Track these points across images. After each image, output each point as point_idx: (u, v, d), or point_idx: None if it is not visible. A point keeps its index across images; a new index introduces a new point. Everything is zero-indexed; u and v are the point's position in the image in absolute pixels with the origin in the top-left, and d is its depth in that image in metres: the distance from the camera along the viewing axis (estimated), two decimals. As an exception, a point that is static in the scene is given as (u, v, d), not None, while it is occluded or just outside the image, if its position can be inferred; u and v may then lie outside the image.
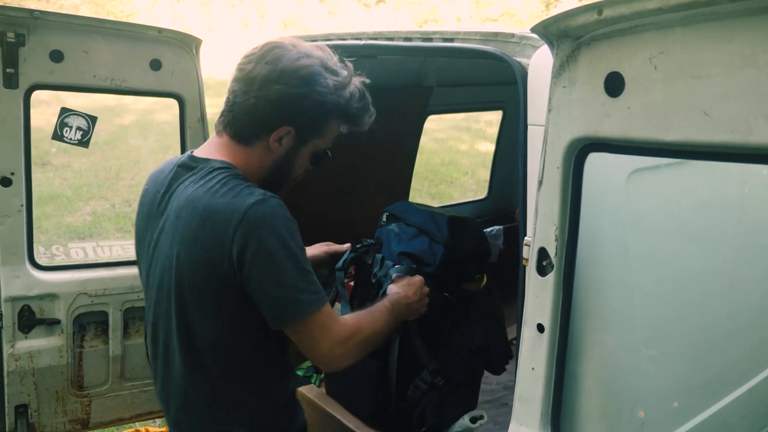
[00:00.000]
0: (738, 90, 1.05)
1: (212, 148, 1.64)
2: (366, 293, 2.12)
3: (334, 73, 1.58)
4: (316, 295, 1.52)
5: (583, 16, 1.22)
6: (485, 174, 10.07)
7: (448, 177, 9.43)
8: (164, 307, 1.62)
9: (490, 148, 11.67)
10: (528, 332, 1.49)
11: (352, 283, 2.24)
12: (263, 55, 1.56)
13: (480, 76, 3.61)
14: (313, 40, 2.39)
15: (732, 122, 1.06)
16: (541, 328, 1.46)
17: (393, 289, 1.90)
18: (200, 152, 1.65)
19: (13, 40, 2.16)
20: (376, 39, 2.14)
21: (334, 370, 1.61)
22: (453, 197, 8.42)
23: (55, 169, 9.27)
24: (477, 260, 2.21)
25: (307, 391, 2.46)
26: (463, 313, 2.19)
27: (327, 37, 2.35)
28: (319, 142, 1.66)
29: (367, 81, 1.67)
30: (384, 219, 2.30)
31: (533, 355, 1.48)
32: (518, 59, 1.69)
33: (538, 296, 1.46)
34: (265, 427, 1.64)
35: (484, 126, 12.97)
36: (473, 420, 2.17)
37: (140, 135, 10.26)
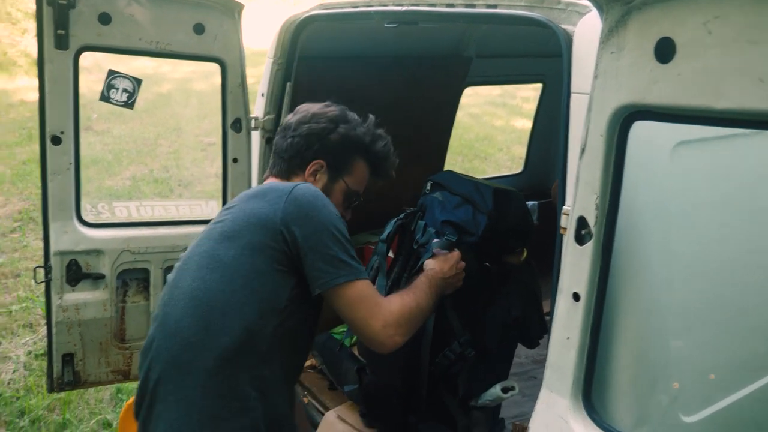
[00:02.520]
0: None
1: None
2: (405, 262, 2.15)
3: (357, 119, 1.87)
4: (359, 267, 1.61)
5: (637, -21, 1.20)
6: (520, 150, 10.01)
7: (482, 152, 9.36)
8: (189, 273, 1.62)
9: (526, 124, 11.54)
10: (563, 301, 1.50)
11: (391, 255, 2.27)
12: (296, 111, 1.89)
13: (521, 48, 3.57)
14: (354, 7, 2.39)
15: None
16: (576, 296, 1.46)
17: (429, 264, 1.94)
18: None
19: (64, 2, 2.21)
20: (417, 5, 2.12)
21: (389, 349, 1.62)
22: (486, 173, 8.36)
23: (96, 134, 9.46)
24: (519, 233, 2.21)
25: (348, 417, 2.48)
26: (502, 285, 2.20)
27: (368, 3, 2.33)
28: (349, 181, 1.85)
29: (383, 131, 1.92)
30: (428, 187, 2.31)
31: (568, 323, 1.49)
32: (564, 26, 1.67)
33: (575, 265, 1.46)
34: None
35: (521, 102, 12.80)
36: (504, 390, 2.19)
37: (178, 103, 10.39)
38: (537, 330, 2.30)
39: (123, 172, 7.35)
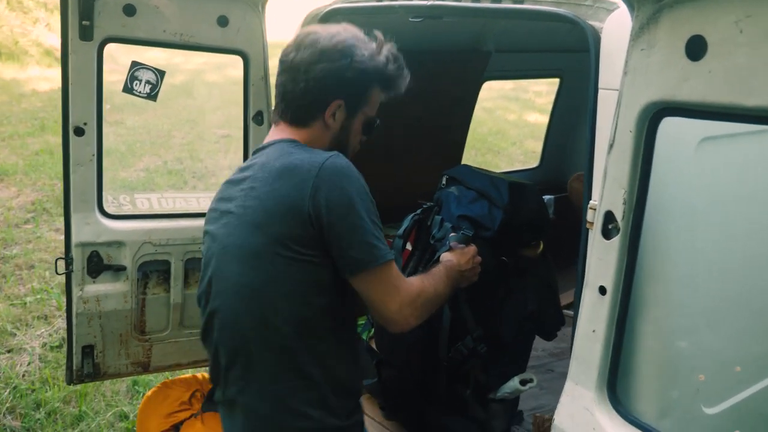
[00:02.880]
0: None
1: (276, 136, 1.74)
2: (422, 255, 2.16)
3: (367, 42, 1.71)
4: (386, 249, 1.58)
5: (670, -23, 1.20)
6: (533, 145, 10.00)
7: (495, 146, 9.35)
8: (229, 265, 1.64)
9: (538, 119, 11.54)
10: (589, 294, 1.51)
11: (409, 247, 2.28)
12: (300, 43, 1.69)
13: (539, 43, 3.57)
14: (379, 1, 2.40)
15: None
16: (603, 290, 1.48)
17: (446, 256, 1.95)
18: (265, 141, 1.76)
19: (89, -7, 2.23)
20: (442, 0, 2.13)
21: (401, 330, 1.63)
22: (500, 167, 8.35)
23: (109, 125, 9.50)
24: (535, 227, 2.23)
25: (367, 409, 2.51)
26: (519, 278, 2.21)
27: (392, -3, 2.34)
28: (367, 110, 1.76)
29: (395, 46, 1.77)
30: (444, 182, 2.33)
31: (594, 316, 1.50)
32: (591, 22, 1.68)
33: (602, 259, 1.48)
34: (325, 405, 1.62)
35: (533, 96, 12.76)
36: (523, 382, 2.22)
37: (191, 95, 10.42)
38: (553, 323, 2.32)
39: (137, 164, 7.40)
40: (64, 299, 4.57)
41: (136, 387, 3.73)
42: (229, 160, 8.03)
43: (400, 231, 2.28)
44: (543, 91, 13.24)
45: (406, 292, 1.61)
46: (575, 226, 4.12)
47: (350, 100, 1.70)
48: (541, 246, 2.29)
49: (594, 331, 1.51)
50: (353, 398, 1.71)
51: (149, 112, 9.19)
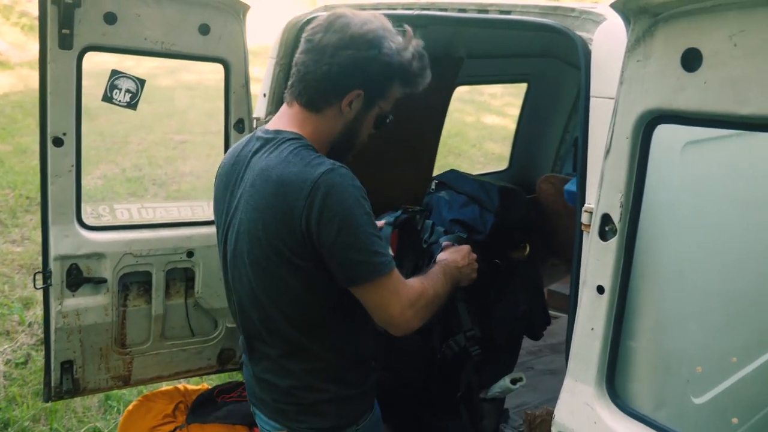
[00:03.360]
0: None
1: (284, 120, 1.70)
2: (417, 259, 2.19)
3: (396, 36, 1.66)
4: (386, 258, 1.58)
5: (666, -6, 1.28)
6: (492, 147, 10.18)
7: (456, 149, 9.47)
8: (239, 270, 1.70)
9: (495, 121, 11.74)
10: (587, 293, 1.58)
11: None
12: (330, 25, 1.63)
13: (508, 49, 3.66)
14: (361, 9, 2.43)
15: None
16: (601, 289, 1.55)
17: (442, 256, 1.97)
18: (273, 125, 1.72)
19: (70, 1, 2.18)
20: (428, 9, 2.18)
21: (404, 332, 1.65)
22: (462, 168, 8.47)
23: (61, 132, 9.23)
24: (523, 229, 2.29)
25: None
26: (508, 281, 2.27)
27: (376, 6, 2.38)
28: (383, 104, 1.72)
29: (422, 43, 1.72)
30: (433, 186, 2.37)
31: (592, 315, 1.57)
32: (579, 33, 1.75)
33: (599, 260, 1.54)
34: (338, 380, 1.73)
35: (488, 98, 12.98)
36: (513, 381, 2.28)
37: (144, 100, 10.20)
38: (541, 322, 2.39)
39: (93, 171, 7.19)
40: (26, 313, 4.44)
41: (109, 402, 3.65)
42: (189, 167, 7.91)
43: (391, 219, 2.26)
44: (497, 93, 13.48)
45: (406, 295, 1.62)
46: (545, 226, 4.23)
47: (370, 91, 1.66)
48: (528, 248, 2.36)
49: (593, 329, 1.57)
50: (366, 364, 1.79)
51: (102, 118, 8.94)
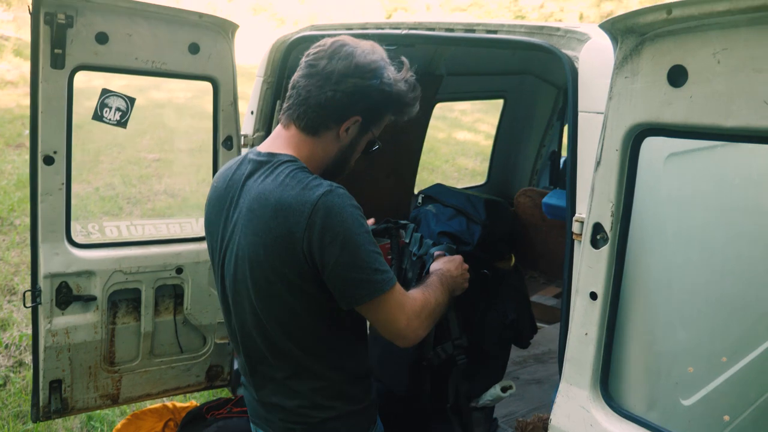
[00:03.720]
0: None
1: (279, 142, 1.72)
2: (406, 271, 2.24)
3: (392, 66, 1.73)
4: (388, 274, 1.61)
5: (652, 15, 1.36)
6: (465, 162, 10.32)
7: (429, 165, 9.59)
8: (240, 295, 1.71)
9: (467, 136, 11.91)
10: (581, 300, 1.64)
11: None
12: (334, 52, 1.68)
13: (486, 66, 3.76)
14: (348, 29, 2.50)
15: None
16: (594, 296, 1.61)
17: (436, 265, 2.01)
18: (266, 147, 1.73)
19: (63, 22, 2.20)
20: (416, 29, 2.25)
21: (412, 343, 1.70)
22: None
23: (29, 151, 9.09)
24: (509, 240, 2.36)
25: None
26: (495, 290, 2.34)
27: (363, 26, 2.45)
28: (376, 131, 1.78)
29: (414, 76, 1.79)
30: (420, 200, 2.43)
31: (586, 320, 1.63)
32: (565, 51, 1.83)
33: (592, 267, 1.61)
34: (343, 396, 1.75)
35: (459, 115, 13.18)
36: (503, 389, 2.33)
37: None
38: (528, 331, 2.46)
39: (66, 191, 7.08)
40: (2, 335, 4.35)
41: (92, 422, 3.60)
42: (163, 185, 7.85)
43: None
44: (467, 110, 13.70)
45: (411, 307, 1.67)
46: (523, 239, 4.30)
47: (367, 118, 1.71)
48: (513, 258, 2.43)
49: (586, 334, 1.64)
50: (366, 379, 1.82)
51: (73, 137, 8.85)
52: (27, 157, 8.74)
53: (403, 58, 1.77)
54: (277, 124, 1.78)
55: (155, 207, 6.90)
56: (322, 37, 2.56)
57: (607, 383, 1.64)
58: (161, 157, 8.79)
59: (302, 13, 25.71)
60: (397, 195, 3.82)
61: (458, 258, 2.05)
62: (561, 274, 4.43)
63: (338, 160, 1.75)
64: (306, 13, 25.63)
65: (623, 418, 1.60)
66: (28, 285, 5.01)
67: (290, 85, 1.74)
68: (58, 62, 2.27)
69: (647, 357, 1.69)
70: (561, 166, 4.35)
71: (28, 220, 6.43)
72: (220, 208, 1.76)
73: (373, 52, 1.70)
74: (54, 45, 2.24)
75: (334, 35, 2.32)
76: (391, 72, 1.70)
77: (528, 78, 4.04)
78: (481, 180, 4.79)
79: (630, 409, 1.62)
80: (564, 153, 4.43)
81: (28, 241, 5.99)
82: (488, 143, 11.99)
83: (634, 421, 1.59)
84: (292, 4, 26.11)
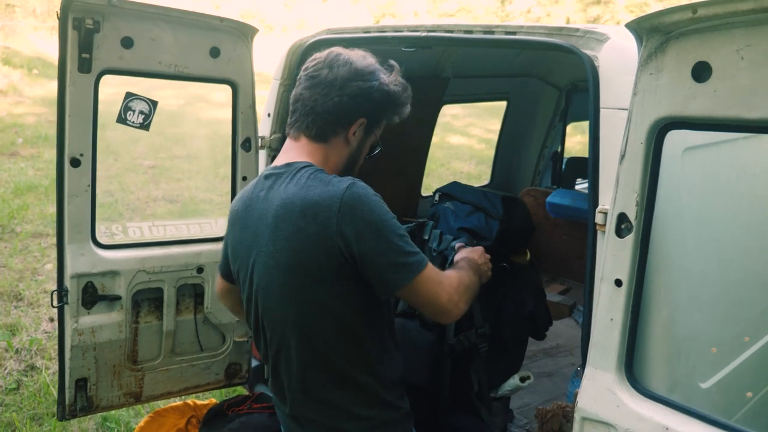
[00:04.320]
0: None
1: (291, 153, 1.78)
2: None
3: (384, 69, 1.82)
4: (420, 255, 1.67)
5: (677, 14, 1.44)
6: (460, 165, 10.41)
7: (425, 168, 9.67)
8: (275, 304, 1.73)
9: (460, 140, 12.01)
10: (606, 287, 1.72)
11: None
12: (332, 62, 1.76)
13: (490, 69, 3.85)
14: (366, 32, 2.57)
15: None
16: (619, 282, 1.69)
17: (459, 255, 2.05)
18: (280, 161, 1.80)
19: (90, 27, 2.26)
20: (434, 31, 2.33)
21: (455, 318, 1.75)
22: (432, 188, 8.67)
23: (25, 159, 9.10)
24: (525, 235, 2.45)
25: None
26: (512, 284, 2.42)
27: (381, 29, 2.52)
28: (377, 132, 1.87)
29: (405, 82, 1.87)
30: (437, 198, 2.50)
31: (611, 306, 1.71)
32: (584, 51, 1.92)
33: (617, 255, 1.69)
34: (379, 403, 1.76)
35: (451, 119, 13.29)
36: (522, 379, 2.41)
37: (107, 126, 10.09)
38: (544, 323, 2.54)
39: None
40: (13, 340, 4.36)
41: (107, 423, 3.63)
42: (161, 191, 7.87)
43: None
44: (459, 114, 13.81)
45: (448, 283, 1.72)
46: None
47: (371, 119, 1.79)
48: (528, 253, 2.51)
49: (612, 319, 1.71)
50: (400, 385, 1.83)
51: (97, 139, 8.83)
52: (22, 165, 8.75)
53: (393, 62, 1.85)
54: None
55: (155, 213, 6.92)
56: (339, 40, 2.65)
57: (632, 366, 1.72)
58: (157, 164, 8.81)
59: (290, 19, 25.81)
60: (404, 195, 3.90)
61: (480, 249, 2.11)
62: (565, 271, 4.53)
63: (348, 165, 1.82)
64: (294, 19, 25.73)
65: (649, 399, 1.68)
66: (33, 291, 5.06)
67: (292, 101, 1.81)
68: (85, 66, 2.32)
69: (669, 341, 1.77)
70: (563, 166, 4.45)
71: (28, 227, 6.47)
72: (243, 227, 1.79)
73: (366, 58, 1.79)
74: (81, 49, 2.29)
75: (351, 39, 2.41)
76: (384, 75, 1.79)
77: (531, 80, 4.14)
78: (481, 181, 4.88)
79: (654, 390, 1.70)
80: (566, 154, 4.53)
81: (30, 248, 6.02)
82: (481, 147, 12.13)
83: (659, 401, 1.66)
84: (279, 10, 26.21)
